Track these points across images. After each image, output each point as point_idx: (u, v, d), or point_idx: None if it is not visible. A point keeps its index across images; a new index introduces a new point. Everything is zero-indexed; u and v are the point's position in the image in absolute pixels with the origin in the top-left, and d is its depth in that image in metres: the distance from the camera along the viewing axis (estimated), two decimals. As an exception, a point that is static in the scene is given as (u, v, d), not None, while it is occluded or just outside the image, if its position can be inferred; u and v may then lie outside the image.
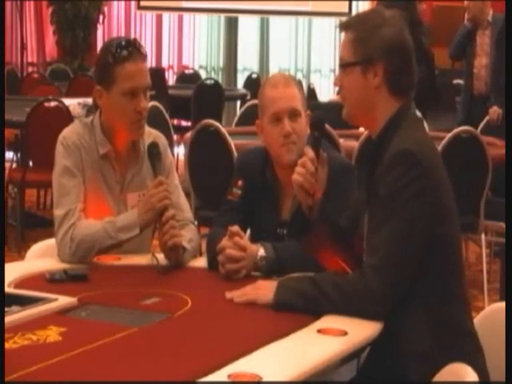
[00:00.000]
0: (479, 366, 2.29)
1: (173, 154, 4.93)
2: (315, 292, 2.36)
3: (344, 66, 2.49)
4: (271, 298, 2.40)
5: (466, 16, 7.51)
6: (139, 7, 12.16)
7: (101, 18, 11.83)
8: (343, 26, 2.50)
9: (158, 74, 9.49)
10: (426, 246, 2.34)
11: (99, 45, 11.21)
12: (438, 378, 2.15)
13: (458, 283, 2.43)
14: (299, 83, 3.08)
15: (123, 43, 2.92)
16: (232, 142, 5.30)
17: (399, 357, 2.34)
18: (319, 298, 2.35)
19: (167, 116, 6.88)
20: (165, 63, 12.74)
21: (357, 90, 2.46)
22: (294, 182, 2.56)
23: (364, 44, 2.43)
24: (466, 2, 7.54)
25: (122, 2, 12.59)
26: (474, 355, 2.35)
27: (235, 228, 2.77)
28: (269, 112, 2.96)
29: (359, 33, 2.45)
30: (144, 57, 2.96)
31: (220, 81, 11.01)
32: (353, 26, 2.48)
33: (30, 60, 11.68)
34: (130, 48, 2.91)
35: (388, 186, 2.34)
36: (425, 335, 2.33)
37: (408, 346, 2.33)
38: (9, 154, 7.83)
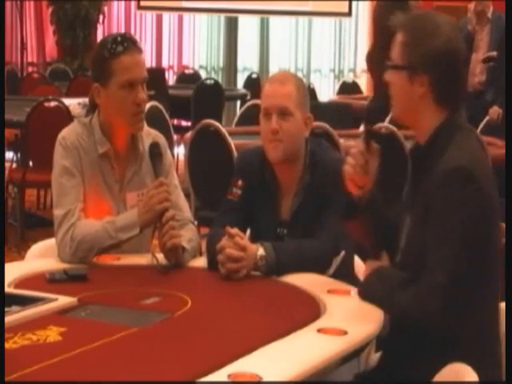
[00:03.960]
0: (494, 370, 2.30)
1: (173, 154, 4.94)
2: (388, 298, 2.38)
3: (391, 66, 2.47)
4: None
5: (475, 8, 7.45)
6: (139, 7, 12.15)
7: (101, 17, 11.81)
8: (398, 26, 2.46)
9: (158, 73, 9.49)
10: (477, 261, 2.31)
11: (99, 45, 11.18)
12: (438, 378, 2.15)
13: (495, 295, 2.41)
14: (299, 82, 3.04)
15: (118, 38, 2.94)
16: (232, 142, 5.30)
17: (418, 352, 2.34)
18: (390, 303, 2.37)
19: (167, 116, 6.87)
20: (165, 63, 12.73)
21: (402, 94, 2.45)
22: (344, 173, 2.56)
23: (412, 51, 2.40)
24: None
25: (122, 2, 12.58)
26: (493, 359, 2.35)
27: (234, 229, 2.78)
28: (262, 107, 2.97)
29: (409, 37, 2.42)
30: (140, 50, 2.98)
31: (220, 81, 11.00)
32: (404, 28, 2.44)
33: (30, 60, 11.67)
34: (125, 42, 2.93)
35: (444, 202, 2.30)
36: (457, 348, 2.31)
37: (434, 354, 2.32)
38: (9, 154, 7.83)
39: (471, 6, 7.54)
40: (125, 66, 2.91)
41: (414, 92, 2.42)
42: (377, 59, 7.34)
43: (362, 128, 7.45)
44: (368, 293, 2.45)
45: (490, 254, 2.35)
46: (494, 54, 7.29)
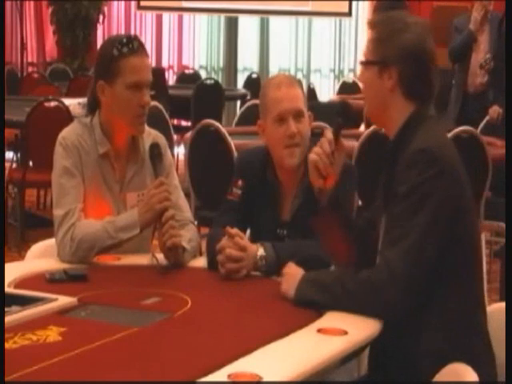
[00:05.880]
0: (488, 367, 2.31)
1: (173, 154, 4.94)
2: (338, 288, 2.37)
3: (362, 62, 2.55)
4: (293, 293, 2.43)
5: (486, 7, 7.43)
6: (139, 7, 12.15)
7: (101, 17, 11.81)
8: (369, 24, 2.55)
9: (157, 74, 9.46)
10: (444, 245, 2.34)
11: (99, 45, 11.17)
12: (438, 377, 2.15)
13: (476, 284, 2.43)
14: (300, 83, 3.08)
15: (128, 39, 2.96)
16: (232, 142, 5.29)
17: (411, 355, 2.34)
18: (341, 294, 2.36)
19: (167, 116, 6.88)
20: (165, 63, 12.72)
21: (372, 89, 2.52)
22: (308, 160, 2.55)
23: (382, 46, 2.48)
24: None
25: (122, 2, 12.58)
26: (484, 358, 2.36)
27: (234, 230, 2.77)
28: (273, 113, 2.95)
29: (380, 33, 2.50)
30: (147, 53, 3.00)
31: (220, 81, 11.00)
32: (376, 25, 2.53)
33: (30, 60, 11.66)
34: (134, 43, 2.94)
35: (407, 182, 2.35)
36: (439, 335, 2.34)
37: (421, 345, 2.34)
38: (9, 154, 7.83)
39: (478, 5, 7.49)
40: (133, 66, 2.92)
41: (383, 86, 2.48)
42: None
43: (362, 128, 7.45)
44: (306, 293, 2.42)
45: (456, 240, 2.36)
46: (488, 56, 7.29)
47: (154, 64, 12.20)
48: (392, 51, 2.46)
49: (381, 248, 2.46)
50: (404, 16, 2.56)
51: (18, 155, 7.69)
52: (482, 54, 7.45)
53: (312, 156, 2.53)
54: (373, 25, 2.54)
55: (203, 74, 11.99)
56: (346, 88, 10.32)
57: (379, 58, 2.48)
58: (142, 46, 2.98)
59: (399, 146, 2.45)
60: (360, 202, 5.39)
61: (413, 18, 2.54)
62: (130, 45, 2.93)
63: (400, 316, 2.32)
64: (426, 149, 2.36)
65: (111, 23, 12.57)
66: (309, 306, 2.39)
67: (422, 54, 2.47)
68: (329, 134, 2.55)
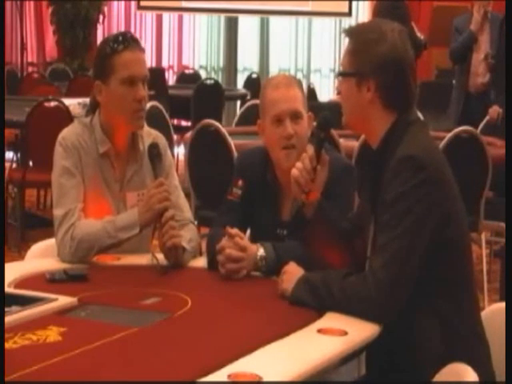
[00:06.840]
0: (486, 368, 2.31)
1: (173, 154, 4.93)
2: (324, 293, 2.37)
3: (340, 74, 2.54)
4: (289, 291, 2.44)
5: (480, 10, 7.42)
6: (139, 7, 12.16)
7: (101, 17, 11.82)
8: (346, 33, 2.53)
9: (158, 73, 9.49)
10: (434, 250, 2.33)
11: (99, 45, 11.15)
12: (438, 377, 2.15)
13: (468, 286, 2.43)
14: (300, 84, 3.07)
15: (120, 36, 2.97)
16: (232, 142, 5.29)
17: (409, 357, 2.35)
18: (326, 297, 2.36)
19: (167, 116, 6.88)
20: (165, 63, 12.73)
21: (352, 101, 2.49)
22: (291, 176, 2.56)
23: (358, 57, 2.45)
24: None
25: (122, 2, 12.59)
26: (482, 358, 2.36)
27: (234, 230, 2.77)
28: (270, 114, 2.95)
29: (356, 44, 2.47)
30: (141, 48, 3.00)
31: (220, 81, 11.01)
32: (352, 35, 2.51)
33: (30, 60, 11.67)
34: (127, 40, 2.95)
35: (393, 190, 2.34)
36: (436, 340, 2.33)
37: (418, 351, 2.33)
38: (9, 154, 7.83)
39: (479, 6, 7.49)
40: (125, 62, 2.92)
41: (362, 98, 2.45)
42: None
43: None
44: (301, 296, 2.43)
45: (446, 245, 2.36)
46: (490, 52, 7.32)
47: (154, 64, 12.22)
48: (368, 63, 2.43)
49: (369, 255, 2.46)
50: (380, 24, 2.51)
51: (18, 155, 7.69)
52: (482, 54, 7.47)
53: (294, 172, 2.54)
54: (348, 35, 2.51)
55: (203, 74, 12.00)
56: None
57: (356, 69, 2.45)
58: (135, 40, 2.98)
59: (384, 154, 2.43)
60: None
61: (389, 24, 2.49)
62: (122, 41, 2.94)
63: (386, 322, 2.32)
64: (412, 156, 2.34)
65: (111, 23, 12.57)
66: (307, 306, 2.39)
67: (399, 62, 2.43)
68: (310, 149, 2.55)
